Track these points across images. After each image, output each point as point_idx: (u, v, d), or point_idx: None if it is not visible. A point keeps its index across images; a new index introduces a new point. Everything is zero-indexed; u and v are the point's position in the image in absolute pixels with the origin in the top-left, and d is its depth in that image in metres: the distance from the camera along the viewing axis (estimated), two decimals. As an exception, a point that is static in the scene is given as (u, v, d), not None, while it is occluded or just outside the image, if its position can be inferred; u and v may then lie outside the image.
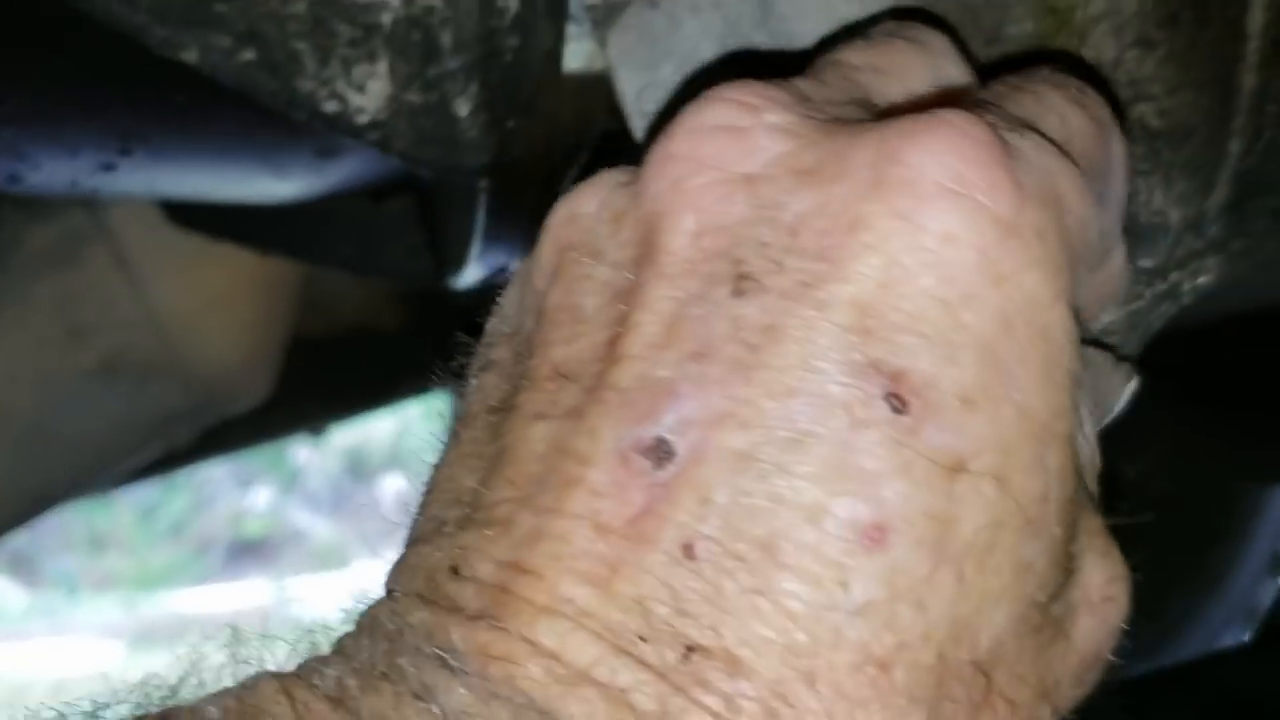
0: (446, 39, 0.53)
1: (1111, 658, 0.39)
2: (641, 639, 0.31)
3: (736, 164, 0.36)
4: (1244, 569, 1.44)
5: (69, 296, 1.01)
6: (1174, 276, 0.52)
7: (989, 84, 0.41)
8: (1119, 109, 0.45)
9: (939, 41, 0.42)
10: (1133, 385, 0.50)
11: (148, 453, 1.09)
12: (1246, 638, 0.98)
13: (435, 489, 0.38)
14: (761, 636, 0.31)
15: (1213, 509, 1.42)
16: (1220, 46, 0.51)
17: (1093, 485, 0.42)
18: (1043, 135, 0.37)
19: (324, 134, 0.58)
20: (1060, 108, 0.39)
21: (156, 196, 0.80)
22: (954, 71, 0.41)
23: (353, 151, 0.63)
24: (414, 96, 0.54)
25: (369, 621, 0.35)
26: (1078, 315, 0.36)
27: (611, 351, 0.35)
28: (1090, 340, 0.50)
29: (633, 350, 0.34)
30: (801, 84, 0.38)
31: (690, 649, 0.31)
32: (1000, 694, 0.34)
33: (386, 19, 0.53)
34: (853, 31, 0.46)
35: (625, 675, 0.31)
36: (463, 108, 0.54)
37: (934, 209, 0.34)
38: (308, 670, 0.33)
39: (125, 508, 3.11)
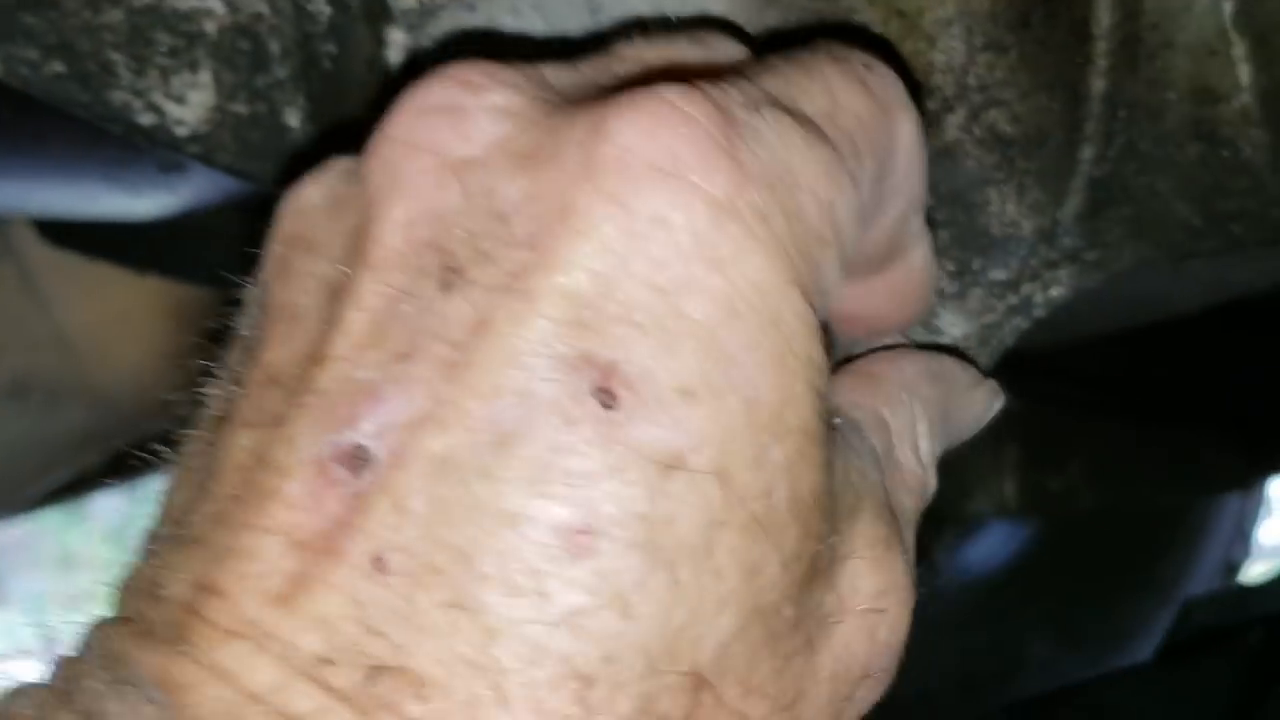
0: (275, 47, 0.51)
1: (886, 672, 0.37)
2: (324, 661, 0.29)
3: (453, 147, 0.33)
4: (1195, 579, 1.43)
5: (-27, 318, 0.99)
6: (1026, 289, 0.50)
7: (763, 59, 0.38)
8: (917, 93, 0.43)
9: (717, 33, 0.39)
10: (997, 404, 0.48)
11: (60, 475, 1.07)
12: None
13: (162, 505, 0.36)
14: (455, 654, 0.29)
15: (1152, 522, 1.41)
16: (1069, 49, 0.49)
17: (910, 498, 0.41)
18: (792, 112, 0.34)
19: (162, 149, 0.56)
20: (833, 83, 0.37)
21: (9, 211, 0.78)
22: (729, 51, 0.38)
23: (200, 170, 0.61)
24: (240, 107, 0.52)
25: (83, 645, 0.33)
26: (819, 301, 0.34)
27: (318, 353, 0.32)
28: (949, 350, 0.48)
29: (337, 351, 0.32)
30: (550, 69, 0.36)
31: (376, 669, 0.29)
32: (728, 708, 0.32)
33: (211, 27, 0.51)
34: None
35: (304, 700, 0.29)
36: (293, 118, 0.52)
37: (643, 191, 0.31)
38: (18, 696, 0.31)
39: (95, 526, 3.09)
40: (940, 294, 0.50)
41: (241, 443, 0.33)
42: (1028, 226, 0.50)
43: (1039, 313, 0.51)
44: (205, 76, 0.51)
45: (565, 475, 0.30)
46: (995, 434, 1.15)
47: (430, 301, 0.32)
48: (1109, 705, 0.77)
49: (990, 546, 1.61)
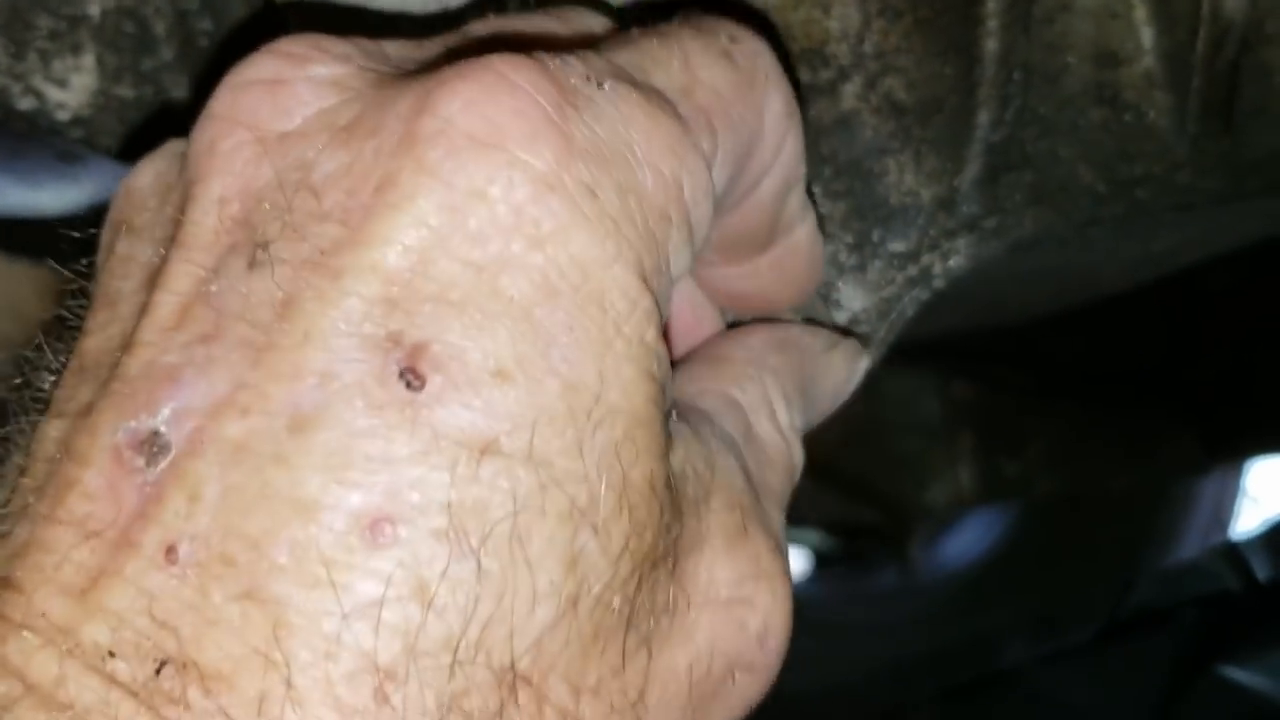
0: (160, 28, 0.50)
1: (761, 660, 0.36)
2: (110, 654, 0.28)
3: (272, 122, 0.32)
4: (1178, 557, 1.42)
5: None
6: (926, 259, 0.49)
7: (625, 32, 0.37)
8: (789, 64, 0.42)
9: (579, 8, 0.38)
10: (862, 363, 0.47)
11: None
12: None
13: None
14: (245, 647, 0.28)
15: (1127, 513, 1.40)
16: (961, 12, 0.48)
17: (776, 474, 0.40)
18: (640, 86, 0.33)
19: (59, 138, 0.55)
20: (691, 56, 0.35)
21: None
22: (588, 24, 0.37)
23: (99, 158, 0.60)
24: (125, 90, 0.51)
25: None
26: (660, 282, 0.33)
27: (128, 339, 0.31)
28: (808, 319, 0.47)
29: (145, 336, 0.31)
30: (394, 44, 0.35)
31: (164, 664, 0.28)
32: (556, 707, 0.30)
33: (94, 10, 0.50)
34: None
35: (88, 694, 0.28)
36: (179, 99, 0.51)
37: (462, 163, 0.30)
38: None
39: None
40: (839, 267, 0.49)
41: (51, 433, 0.32)
42: (926, 195, 0.49)
43: (939, 284, 0.49)
44: (88, 60, 0.50)
45: (366, 460, 0.29)
46: (950, 423, 1.14)
47: (238, 281, 0.30)
48: (1045, 685, 0.76)
49: (964, 542, 1.60)
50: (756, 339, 0.43)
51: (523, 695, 0.30)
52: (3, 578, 0.30)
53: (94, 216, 0.63)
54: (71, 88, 0.50)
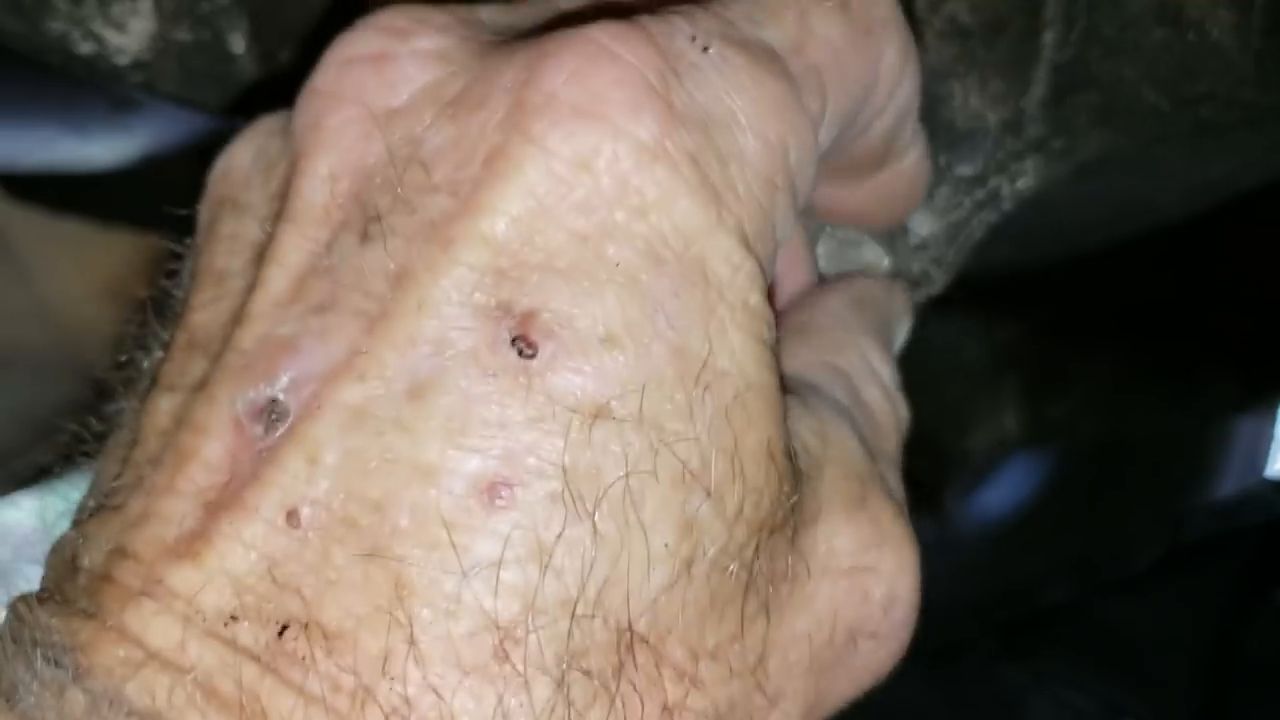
0: (216, -29, 0.50)
1: (895, 628, 0.35)
2: (231, 617, 0.28)
3: (379, 98, 0.32)
4: (1220, 495, 1.41)
5: (-49, 291, 0.98)
6: (994, 182, 0.49)
7: None
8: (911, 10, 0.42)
9: None
10: (907, 295, 0.47)
11: (45, 450, 1.06)
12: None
13: (93, 478, 0.35)
14: (368, 608, 0.28)
15: (1167, 454, 1.40)
16: (1025, -69, 0.47)
17: (888, 439, 0.39)
18: (748, 45, 0.33)
19: (112, 85, 0.55)
20: (807, 8, 0.35)
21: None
22: None
23: (155, 105, 0.60)
24: (183, 34, 0.51)
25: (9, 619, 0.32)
26: (764, 247, 0.33)
27: (240, 313, 0.32)
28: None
29: (258, 309, 0.31)
30: (488, 10, 0.35)
31: (285, 626, 0.28)
32: (674, 669, 0.30)
33: (150, -47, 0.50)
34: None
35: (210, 658, 0.28)
36: (237, 44, 0.51)
37: (568, 135, 0.30)
38: None
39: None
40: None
41: (163, 406, 0.32)
42: (992, 118, 0.49)
43: (1007, 206, 0.49)
44: (146, 3, 0.50)
45: (482, 426, 0.29)
46: (994, 367, 1.13)
47: (351, 254, 0.31)
48: (1104, 617, 0.76)
49: (1001, 494, 1.60)
50: (837, 302, 0.43)
51: (640, 656, 0.30)
52: (120, 548, 0.30)
53: (143, 172, 0.63)
54: (130, 31, 0.50)
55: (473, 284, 0.30)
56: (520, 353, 0.29)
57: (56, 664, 0.29)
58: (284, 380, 0.30)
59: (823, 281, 0.46)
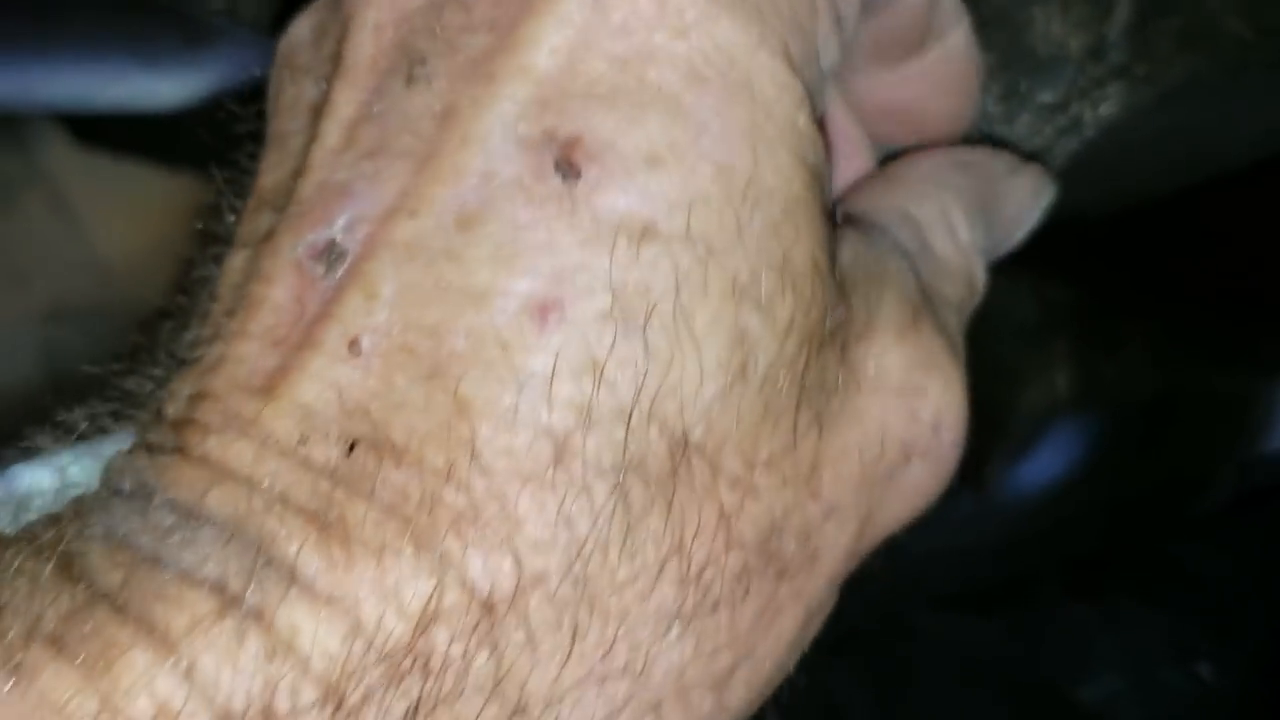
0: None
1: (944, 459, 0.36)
2: (303, 440, 0.29)
3: None
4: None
5: (5, 243, 0.98)
6: (1075, 108, 0.49)
7: None
8: None
9: None
10: (1048, 190, 0.46)
11: (99, 403, 1.07)
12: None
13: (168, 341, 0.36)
14: (431, 424, 0.29)
15: (1214, 420, 1.39)
16: None
17: (954, 285, 0.40)
18: None
19: (189, 16, 0.56)
20: None
21: (28, 105, 0.77)
22: None
23: (230, 41, 0.60)
24: (262, -39, 0.51)
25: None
26: (809, 71, 0.33)
27: (299, 168, 0.33)
28: (983, 139, 0.47)
29: (315, 161, 0.32)
30: None
31: (354, 444, 0.29)
32: (729, 476, 0.31)
33: (229, -120, 0.50)
34: None
35: (285, 473, 0.29)
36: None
37: None
38: (36, 522, 0.31)
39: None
40: (987, 118, 0.49)
41: (235, 264, 0.33)
42: (1074, 44, 0.49)
43: (1089, 133, 0.49)
44: (227, -70, 0.50)
45: (531, 249, 0.30)
46: (1045, 325, 1.13)
47: (399, 98, 0.32)
48: (1167, 559, 0.76)
49: (1042, 465, 1.59)
50: (934, 159, 0.42)
51: (696, 463, 0.30)
52: (200, 392, 0.31)
53: (211, 110, 0.63)
54: (211, -42, 0.50)
55: (516, 116, 0.30)
56: (565, 177, 0.30)
57: (145, 495, 0.30)
58: (340, 222, 0.31)
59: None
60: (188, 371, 0.32)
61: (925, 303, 0.37)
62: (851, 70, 0.42)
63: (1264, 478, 0.86)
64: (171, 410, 0.32)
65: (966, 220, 0.41)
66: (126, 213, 0.99)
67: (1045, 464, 1.45)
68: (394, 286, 0.30)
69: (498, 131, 0.30)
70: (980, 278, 0.41)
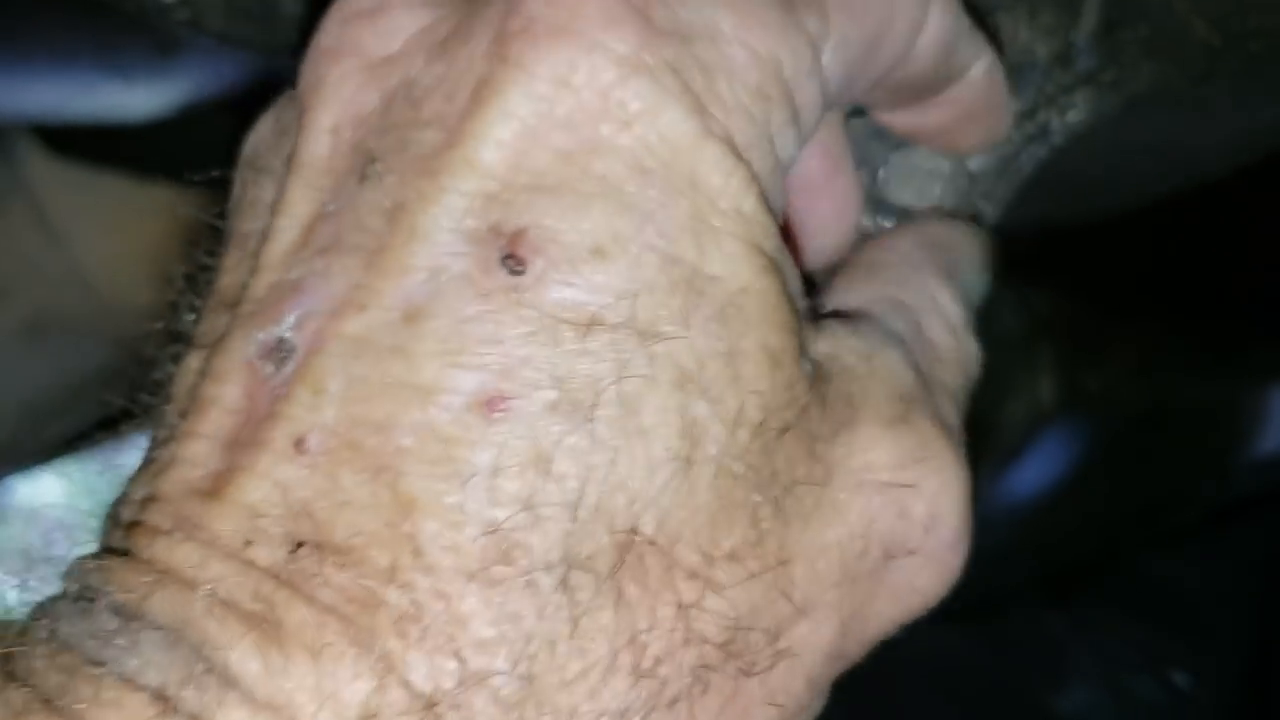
0: (260, -93, 0.50)
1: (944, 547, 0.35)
2: (247, 542, 0.29)
3: (375, 49, 0.34)
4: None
5: (-14, 257, 0.98)
6: (1042, 115, 0.49)
7: None
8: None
9: None
10: (984, 241, 0.46)
11: (80, 416, 1.07)
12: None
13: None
14: (377, 523, 0.29)
15: (1205, 429, 1.39)
16: None
17: (950, 372, 0.39)
18: None
19: (158, 25, 0.55)
20: None
21: (3, 115, 0.77)
22: None
23: (200, 49, 0.60)
24: (228, -29, 0.51)
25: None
26: (762, 159, 0.33)
27: (255, 266, 0.33)
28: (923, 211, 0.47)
29: (269, 260, 0.33)
30: None
31: (299, 545, 0.29)
32: (685, 570, 0.31)
33: (196, -111, 0.50)
34: None
35: (228, 576, 0.29)
36: (283, -18, 0.51)
37: (546, 54, 0.31)
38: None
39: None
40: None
41: (191, 365, 0.34)
42: (1042, 51, 0.48)
43: (1057, 140, 0.49)
44: (191, -60, 0.50)
45: (477, 344, 0.30)
46: (1030, 335, 1.13)
47: (352, 196, 0.32)
48: (1143, 571, 0.76)
49: (1031, 476, 1.58)
50: (907, 242, 0.43)
51: (649, 557, 0.30)
52: (151, 495, 0.31)
53: (184, 122, 0.63)
54: (176, -32, 0.50)
55: (463, 210, 0.31)
56: (511, 271, 0.30)
57: (90, 598, 0.30)
58: (291, 319, 0.31)
59: (907, 220, 0.47)
60: (142, 474, 0.33)
61: (921, 394, 0.36)
62: (873, 106, 0.42)
63: (1248, 486, 0.86)
64: (125, 513, 0.32)
65: (950, 297, 0.41)
66: (106, 225, 0.99)
67: (1031, 475, 1.45)
68: (341, 382, 0.30)
69: (444, 225, 0.31)
70: (975, 359, 0.41)
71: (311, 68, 0.35)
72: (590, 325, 0.30)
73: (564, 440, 0.30)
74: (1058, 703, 0.75)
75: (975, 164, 0.49)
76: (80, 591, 0.31)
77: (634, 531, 0.30)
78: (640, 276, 0.31)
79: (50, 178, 0.94)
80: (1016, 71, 0.49)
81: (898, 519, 0.34)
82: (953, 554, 0.36)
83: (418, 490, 0.29)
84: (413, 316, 0.30)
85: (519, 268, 0.30)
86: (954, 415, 0.38)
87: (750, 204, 0.32)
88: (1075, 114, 0.49)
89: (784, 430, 0.32)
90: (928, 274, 0.41)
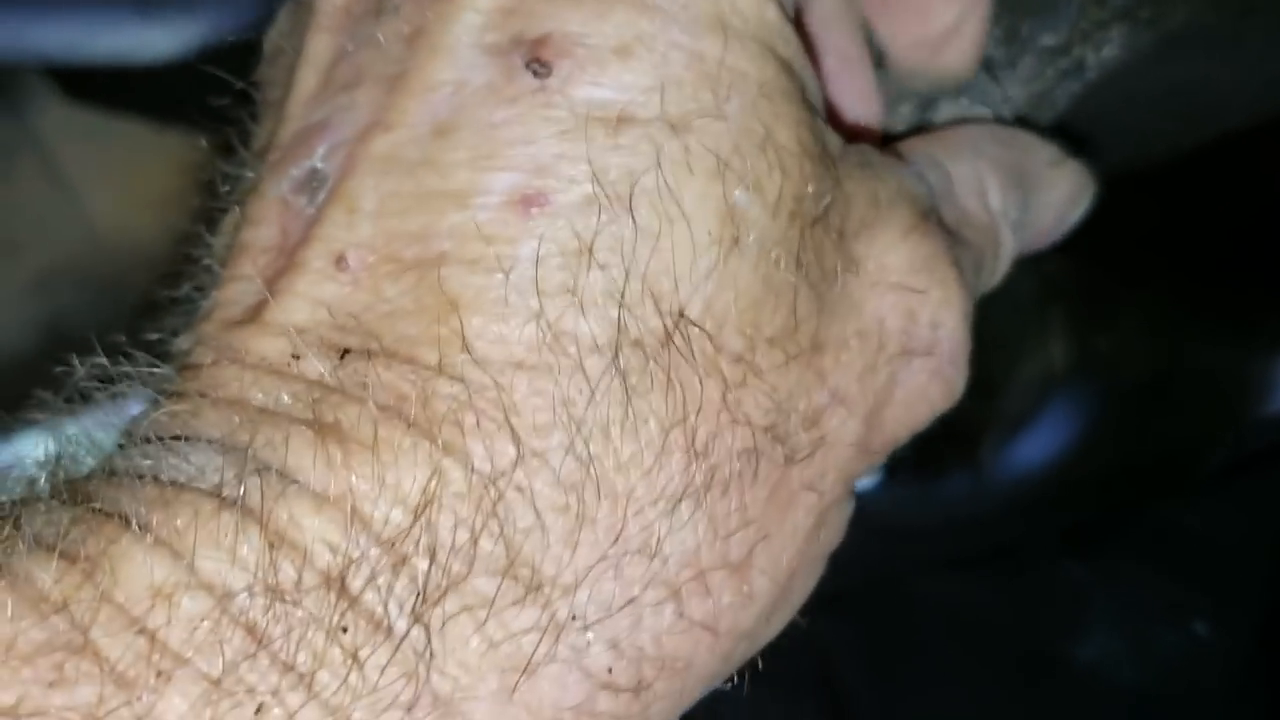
0: None
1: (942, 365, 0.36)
2: (295, 357, 0.30)
3: None
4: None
5: (-1, 211, 0.98)
6: (1077, 51, 0.48)
7: None
8: None
9: None
10: (1089, 191, 0.47)
11: (92, 370, 1.06)
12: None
13: None
14: (423, 324, 0.29)
15: (1215, 380, 1.38)
16: None
17: (975, 233, 0.39)
18: None
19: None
20: None
21: (19, 55, 0.76)
22: None
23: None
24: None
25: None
26: None
27: (281, 117, 0.34)
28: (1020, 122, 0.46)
29: (293, 109, 0.33)
30: None
31: (346, 353, 0.30)
32: (730, 352, 0.31)
33: None
34: None
35: (277, 391, 0.30)
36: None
37: None
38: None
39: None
40: (989, 61, 0.49)
41: (228, 223, 0.35)
42: (1077, -14, 0.48)
43: (1091, 75, 0.49)
44: None
45: (508, 146, 0.30)
46: (1042, 297, 1.12)
47: (371, 34, 0.33)
48: (1164, 520, 0.76)
49: (1037, 445, 1.58)
50: (976, 129, 0.43)
51: (696, 339, 0.31)
52: (195, 339, 0.32)
53: (200, 69, 0.63)
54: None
55: (481, 25, 0.31)
56: (536, 74, 0.31)
57: (141, 433, 0.30)
58: (320, 151, 0.32)
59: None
60: (186, 329, 0.33)
61: (933, 214, 0.37)
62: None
63: (1260, 442, 0.85)
64: (184, 355, 0.33)
65: (999, 189, 0.41)
66: (119, 175, 0.99)
67: (1042, 439, 1.44)
68: (375, 200, 0.30)
69: (465, 42, 0.31)
70: (1008, 244, 0.41)
71: None
72: (621, 120, 0.30)
73: (605, 230, 0.30)
74: (1078, 652, 0.75)
75: (1009, 103, 0.49)
76: (131, 432, 0.31)
77: (680, 313, 0.30)
78: (667, 72, 0.31)
79: (62, 126, 0.93)
80: (1051, 7, 0.48)
81: (906, 318, 0.35)
82: (954, 369, 0.36)
83: (460, 288, 0.29)
84: (441, 129, 0.31)
85: (544, 70, 0.31)
86: (968, 264, 0.38)
87: (772, 11, 0.33)
88: (1110, 49, 0.48)
89: (816, 221, 0.33)
90: (983, 159, 0.41)
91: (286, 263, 0.31)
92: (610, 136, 0.30)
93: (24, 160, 0.96)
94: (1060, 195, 0.45)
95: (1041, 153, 0.44)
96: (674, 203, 0.30)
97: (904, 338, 0.35)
